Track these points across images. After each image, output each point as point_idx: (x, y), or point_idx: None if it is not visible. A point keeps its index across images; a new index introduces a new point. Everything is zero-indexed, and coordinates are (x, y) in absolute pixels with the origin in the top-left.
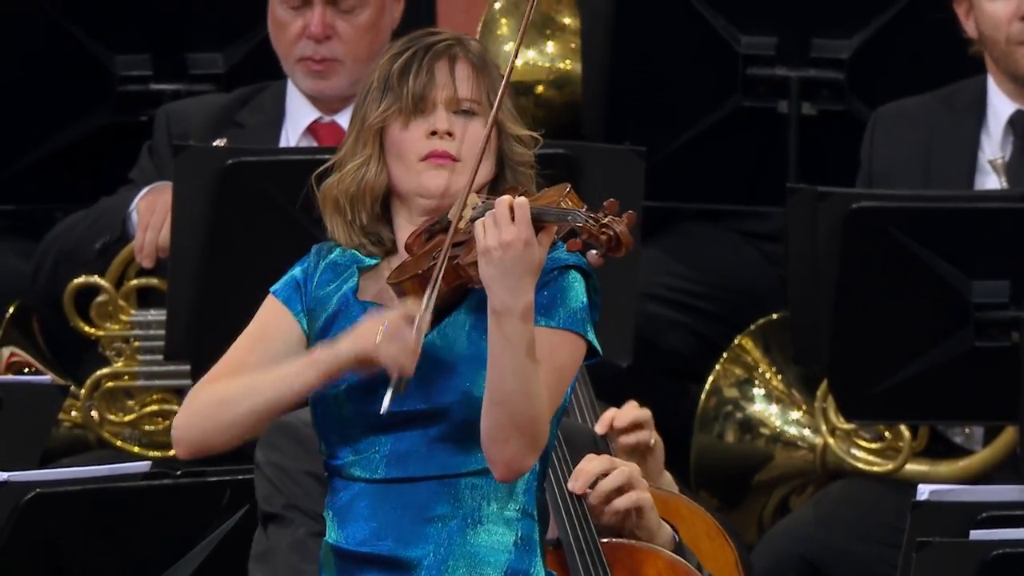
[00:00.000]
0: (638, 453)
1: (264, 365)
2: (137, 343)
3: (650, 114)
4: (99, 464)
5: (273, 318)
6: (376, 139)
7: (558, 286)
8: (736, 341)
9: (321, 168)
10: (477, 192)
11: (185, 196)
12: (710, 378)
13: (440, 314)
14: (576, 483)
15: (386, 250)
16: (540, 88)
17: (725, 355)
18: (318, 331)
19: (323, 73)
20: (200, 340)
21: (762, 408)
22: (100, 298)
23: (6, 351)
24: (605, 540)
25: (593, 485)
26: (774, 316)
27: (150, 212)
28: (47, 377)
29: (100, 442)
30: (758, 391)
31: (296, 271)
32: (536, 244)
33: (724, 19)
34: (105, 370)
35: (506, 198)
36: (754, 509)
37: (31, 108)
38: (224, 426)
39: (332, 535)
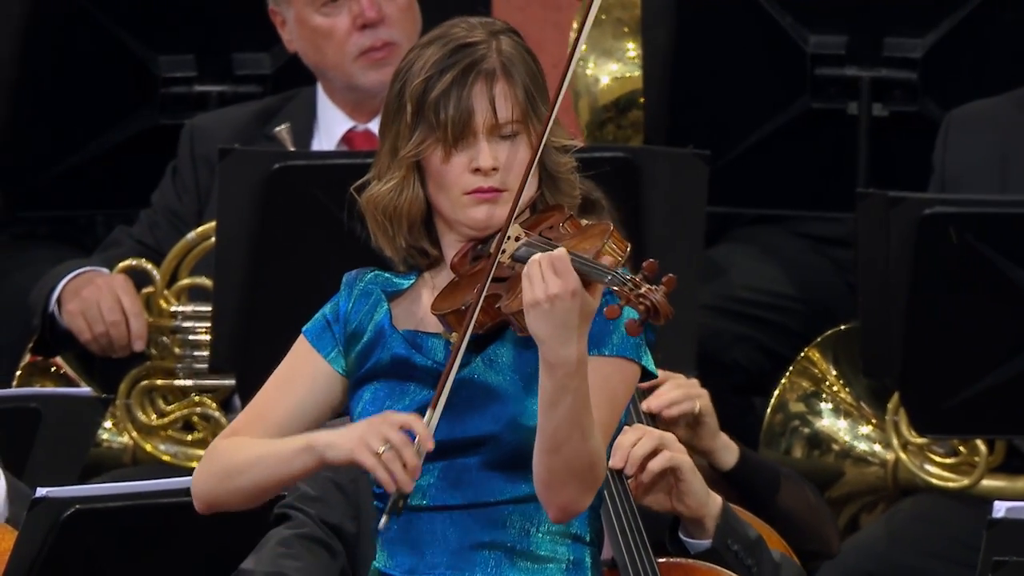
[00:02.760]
0: (687, 424)
1: (290, 412)
2: (179, 336)
3: (715, 116)
4: (140, 480)
5: (302, 362)
6: (411, 164)
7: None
8: (803, 353)
9: (359, 182)
10: (520, 213)
11: (230, 202)
12: (776, 392)
13: (485, 340)
14: (614, 458)
15: (430, 263)
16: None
17: (792, 368)
18: (355, 362)
19: (388, 59)
20: (246, 352)
21: (830, 423)
22: (147, 289)
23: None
24: (662, 560)
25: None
26: (842, 327)
27: (87, 310)
28: (87, 389)
29: (135, 459)
30: (826, 405)
31: (327, 309)
32: (583, 292)
33: (792, 17)
34: (144, 365)
35: (547, 254)
36: None
37: (72, 110)
38: (232, 492)
39: (381, 562)
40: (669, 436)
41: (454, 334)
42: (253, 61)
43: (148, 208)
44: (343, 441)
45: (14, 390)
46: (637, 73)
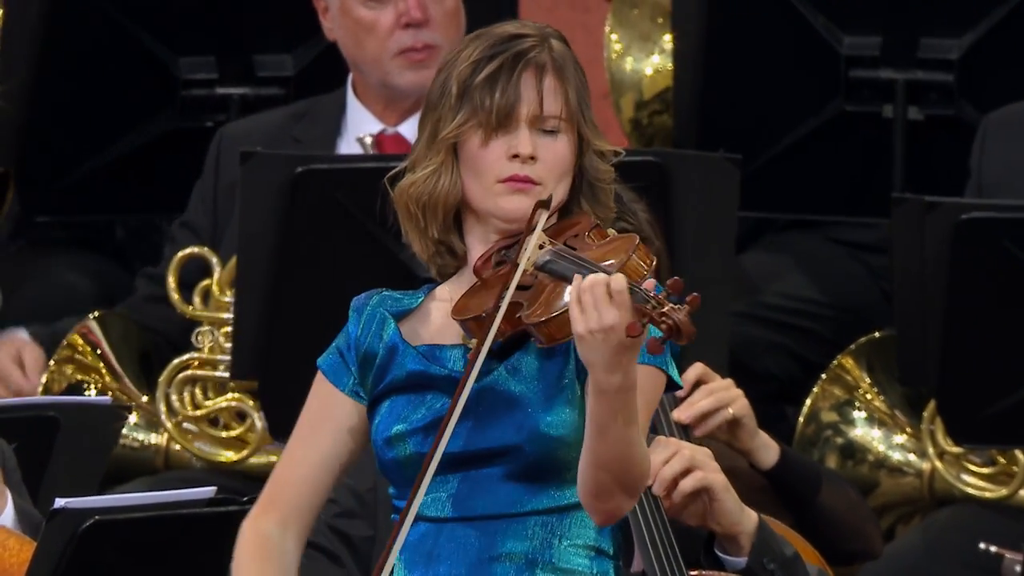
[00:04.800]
0: (723, 430)
1: (322, 461)
2: (227, 329)
3: (746, 119)
4: (161, 489)
5: (323, 404)
6: (450, 148)
7: None
8: (836, 361)
9: (393, 172)
10: (550, 216)
11: (252, 206)
12: (808, 401)
13: (508, 348)
14: None
15: (457, 264)
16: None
17: (824, 376)
18: (371, 384)
19: (426, 62)
20: (268, 359)
21: (864, 432)
22: (205, 282)
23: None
24: (694, 572)
25: None
26: (877, 334)
27: None
28: (106, 397)
29: (167, 462)
30: (859, 414)
31: (339, 339)
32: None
33: (825, 18)
34: (187, 356)
35: (602, 279)
36: None
37: (91, 113)
38: None
39: (398, 573)
40: (701, 453)
41: (474, 340)
42: (275, 63)
43: (183, 228)
44: None
45: (32, 398)
46: None
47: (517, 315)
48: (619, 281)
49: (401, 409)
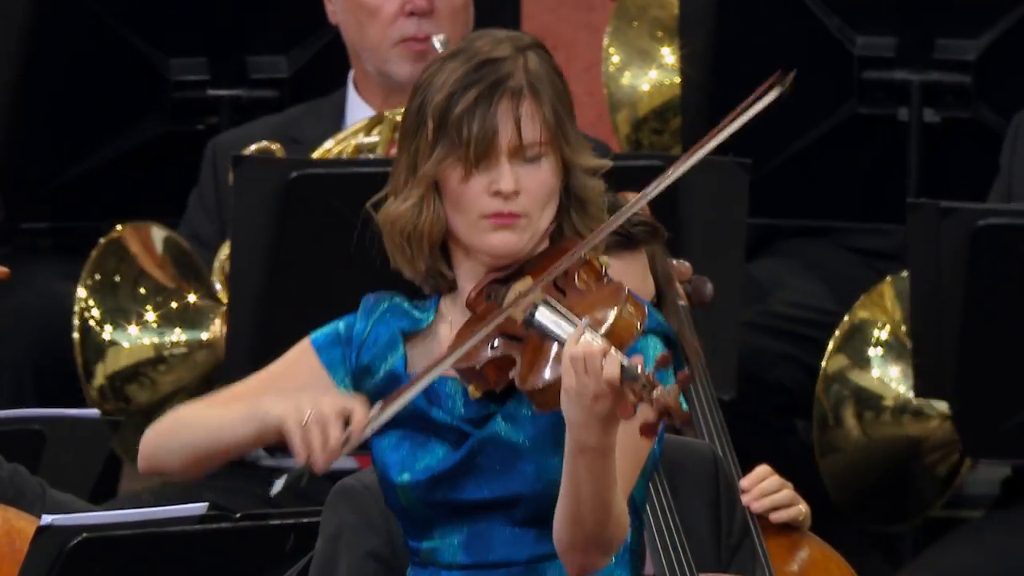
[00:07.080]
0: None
1: None
2: None
3: (756, 122)
4: (151, 505)
5: (300, 366)
6: (431, 182)
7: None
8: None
9: (375, 199)
10: (537, 245)
11: (245, 212)
12: (823, 364)
13: (504, 394)
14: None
15: (450, 286)
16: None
17: (838, 332)
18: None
19: (426, 53)
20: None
21: (880, 373)
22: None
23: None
24: None
25: None
26: (888, 278)
27: None
28: (94, 411)
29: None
30: (875, 351)
31: (341, 325)
32: (625, 391)
33: (838, 17)
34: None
35: (597, 350)
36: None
37: (78, 116)
38: (172, 451)
39: None
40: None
41: (470, 385)
42: (269, 64)
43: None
44: (281, 406)
45: (17, 411)
46: (677, 79)
47: (510, 375)
48: (612, 364)
49: (405, 456)
